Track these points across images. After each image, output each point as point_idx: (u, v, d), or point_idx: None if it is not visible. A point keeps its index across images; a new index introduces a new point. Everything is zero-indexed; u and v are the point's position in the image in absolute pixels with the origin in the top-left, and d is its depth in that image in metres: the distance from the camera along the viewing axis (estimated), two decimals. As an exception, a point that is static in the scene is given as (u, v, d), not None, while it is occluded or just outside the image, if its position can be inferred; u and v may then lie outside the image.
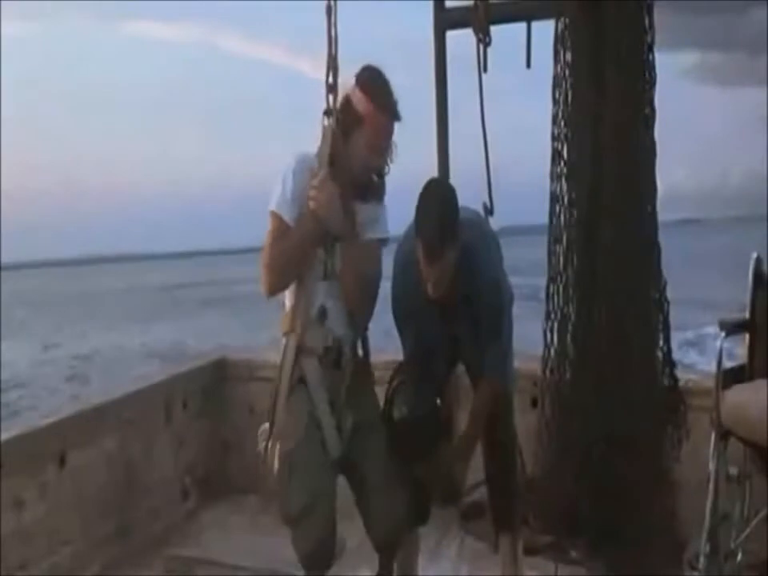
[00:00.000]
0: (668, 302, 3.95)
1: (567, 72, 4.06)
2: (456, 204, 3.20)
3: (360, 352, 3.34)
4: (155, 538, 4.70)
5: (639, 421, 3.86)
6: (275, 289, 3.13)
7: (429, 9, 4.71)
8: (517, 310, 3.67)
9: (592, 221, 4.00)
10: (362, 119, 3.06)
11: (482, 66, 4.28)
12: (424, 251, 3.08)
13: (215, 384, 5.48)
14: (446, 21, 4.67)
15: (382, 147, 3.14)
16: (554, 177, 4.12)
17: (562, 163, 4.11)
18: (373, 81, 3.11)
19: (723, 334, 3.63)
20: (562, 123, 4.10)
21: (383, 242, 3.27)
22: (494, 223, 4.03)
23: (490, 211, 4.06)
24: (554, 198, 4.15)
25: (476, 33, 4.28)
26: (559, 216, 4.12)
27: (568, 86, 4.06)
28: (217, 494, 5.17)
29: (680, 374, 4.13)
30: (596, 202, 3.99)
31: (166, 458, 5.04)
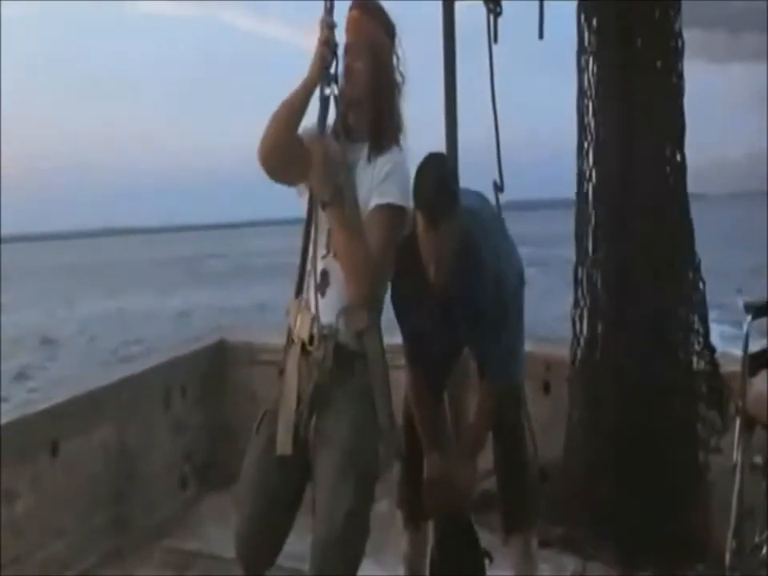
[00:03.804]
0: (704, 282, 3.77)
1: (593, 39, 3.90)
2: (455, 173, 3.11)
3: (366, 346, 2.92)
4: (153, 530, 4.55)
5: (672, 409, 3.71)
6: (263, 150, 2.86)
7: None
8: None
9: (622, 200, 3.84)
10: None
11: (493, 37, 4.13)
12: (424, 214, 2.92)
13: (215, 368, 5.35)
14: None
15: (356, 45, 2.88)
16: (582, 153, 3.95)
17: (590, 138, 3.94)
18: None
19: (749, 317, 3.44)
20: (589, 94, 3.93)
21: (395, 208, 2.84)
22: (502, 198, 3.88)
23: (500, 188, 3.91)
24: (582, 176, 3.98)
25: (486, 2, 4.13)
26: (587, 195, 3.96)
27: (595, 53, 3.89)
28: (217, 483, 5.00)
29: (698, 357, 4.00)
30: (626, 180, 3.83)
31: (163, 445, 4.90)
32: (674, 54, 3.80)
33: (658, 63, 3.79)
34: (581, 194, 3.96)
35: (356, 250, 2.79)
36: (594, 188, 3.93)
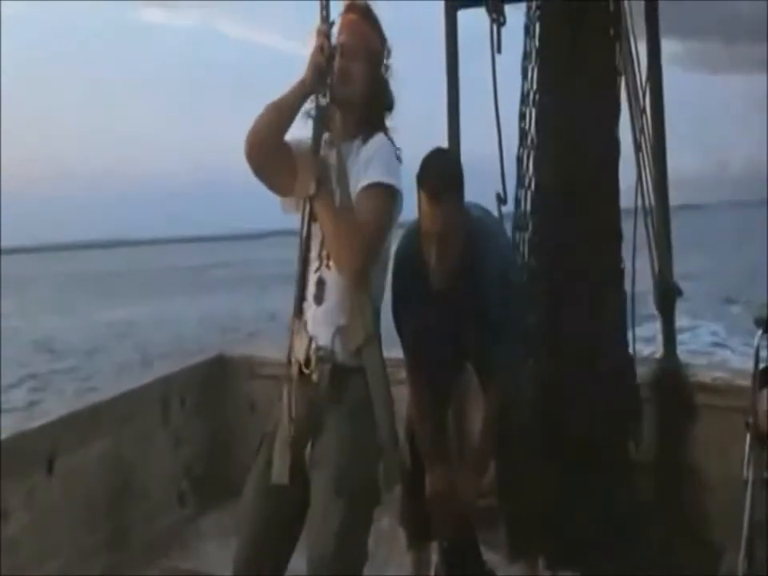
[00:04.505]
0: (625, 294, 3.79)
1: (537, 45, 3.91)
2: (459, 161, 3.20)
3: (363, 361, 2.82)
4: (150, 548, 4.45)
5: (600, 421, 3.68)
6: (250, 141, 2.82)
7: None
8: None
9: (560, 209, 3.84)
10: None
11: (496, 47, 4.10)
12: (427, 190, 2.98)
13: (214, 382, 5.27)
14: (458, -1, 4.47)
15: (352, 47, 2.86)
16: (521, 160, 3.94)
17: (529, 145, 3.95)
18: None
19: (760, 331, 3.37)
20: (531, 102, 3.95)
21: (381, 186, 2.75)
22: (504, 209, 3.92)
23: (503, 200, 3.90)
24: (520, 184, 3.97)
25: (489, 12, 4.10)
26: (525, 202, 3.96)
27: (539, 61, 3.90)
28: (217, 498, 4.93)
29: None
30: (564, 189, 3.83)
31: (162, 461, 4.81)
32: (617, 63, 3.81)
33: (601, 72, 3.80)
34: (518, 201, 3.97)
35: (345, 228, 2.72)
36: (532, 196, 3.94)
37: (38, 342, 29.94)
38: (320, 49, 2.78)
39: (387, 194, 2.77)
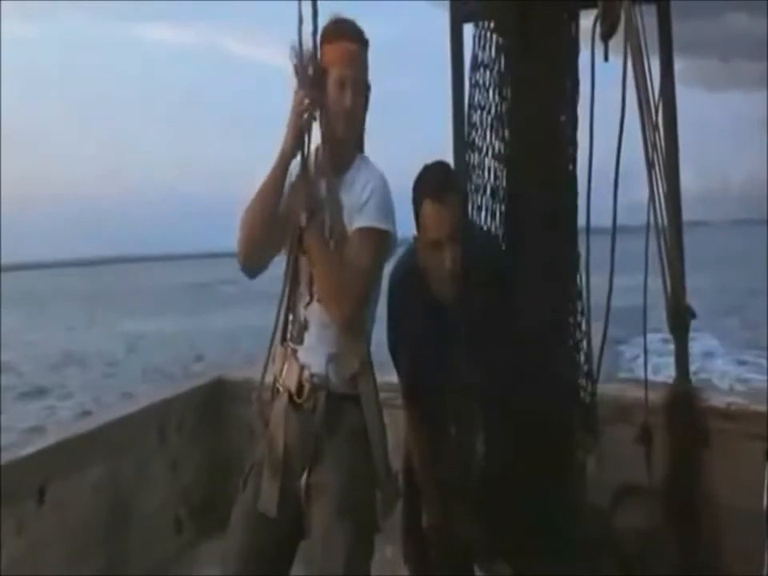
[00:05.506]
0: (583, 313, 3.71)
1: (491, 52, 3.82)
2: (459, 170, 3.28)
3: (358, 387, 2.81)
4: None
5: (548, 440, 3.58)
6: (245, 252, 2.75)
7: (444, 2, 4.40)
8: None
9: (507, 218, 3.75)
10: (324, 67, 2.74)
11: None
12: (431, 194, 2.97)
13: (213, 405, 5.20)
14: (463, 13, 4.39)
15: (348, 76, 2.73)
16: (469, 164, 3.85)
17: (476, 153, 3.87)
18: (324, 28, 2.77)
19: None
20: (480, 110, 3.88)
21: (376, 231, 2.72)
22: None
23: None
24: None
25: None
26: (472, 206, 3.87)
27: (488, 68, 3.81)
28: (215, 525, 4.82)
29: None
30: (516, 198, 3.73)
31: (158, 487, 4.73)
32: (565, 87, 3.72)
33: (545, 90, 3.71)
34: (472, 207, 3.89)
35: (336, 271, 2.68)
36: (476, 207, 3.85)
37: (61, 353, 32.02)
38: (302, 114, 2.70)
39: (381, 239, 2.73)
